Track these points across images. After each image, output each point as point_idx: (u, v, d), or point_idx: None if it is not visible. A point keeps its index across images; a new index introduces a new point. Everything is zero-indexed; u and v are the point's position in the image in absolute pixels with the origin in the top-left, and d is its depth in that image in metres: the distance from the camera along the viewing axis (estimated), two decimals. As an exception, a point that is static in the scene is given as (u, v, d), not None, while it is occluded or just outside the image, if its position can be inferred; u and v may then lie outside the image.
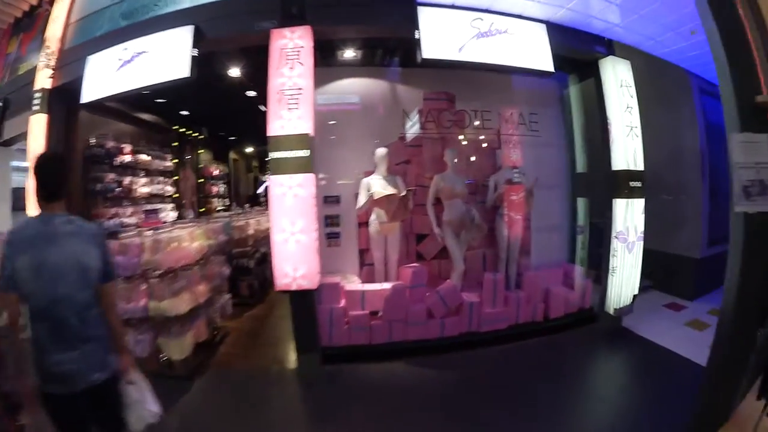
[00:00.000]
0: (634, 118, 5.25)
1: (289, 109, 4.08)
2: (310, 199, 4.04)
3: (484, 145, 5.93)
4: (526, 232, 5.68)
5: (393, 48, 5.34)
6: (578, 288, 5.56)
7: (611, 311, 5.22)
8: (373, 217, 5.07)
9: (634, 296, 5.30)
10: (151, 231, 4.49)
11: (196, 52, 4.35)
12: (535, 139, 5.93)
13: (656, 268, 5.32)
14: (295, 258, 4.00)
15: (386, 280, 5.11)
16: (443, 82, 5.66)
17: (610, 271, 5.21)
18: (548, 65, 4.68)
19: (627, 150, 5.13)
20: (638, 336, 5.19)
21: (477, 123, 5.87)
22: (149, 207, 7.61)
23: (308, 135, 4.06)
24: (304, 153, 4.04)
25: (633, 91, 5.28)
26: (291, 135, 4.06)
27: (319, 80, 4.82)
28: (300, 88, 4.11)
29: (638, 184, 5.18)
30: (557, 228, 6.16)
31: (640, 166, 5.22)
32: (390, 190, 4.84)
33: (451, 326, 4.87)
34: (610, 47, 5.33)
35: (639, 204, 5.21)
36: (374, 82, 5.61)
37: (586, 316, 5.48)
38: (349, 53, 5.31)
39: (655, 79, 5.84)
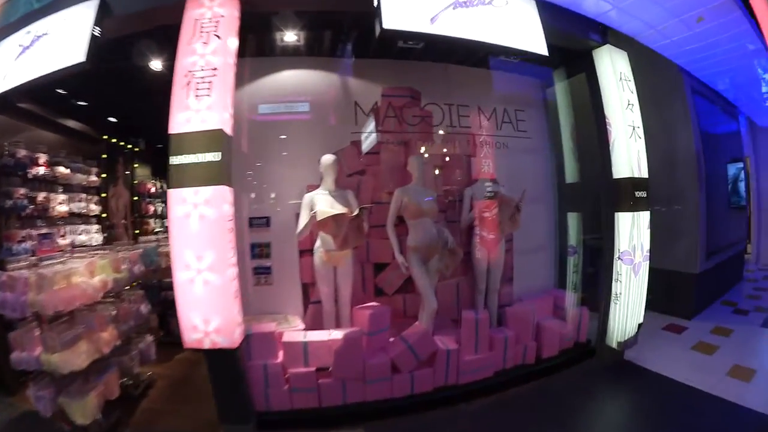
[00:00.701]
0: (636, 116, 4.52)
1: (198, 96, 3.00)
2: (223, 221, 2.93)
3: (459, 150, 4.93)
4: (509, 255, 4.84)
5: (345, 29, 4.23)
6: (572, 319, 4.73)
7: (614, 344, 4.48)
8: (318, 243, 3.97)
9: (639, 325, 4.57)
10: (40, 261, 3.55)
11: (98, 32, 3.45)
12: (521, 143, 5.17)
13: (652, 287, 4.64)
14: (204, 305, 2.92)
15: (338, 323, 4.06)
16: (408, 76, 4.72)
17: (612, 298, 4.44)
18: (541, 47, 3.81)
19: (630, 154, 4.38)
20: (644, 369, 4.51)
21: (449, 124, 4.87)
22: (46, 230, 6.18)
23: (221, 132, 2.97)
24: (213, 156, 2.93)
25: (633, 86, 4.59)
26: (197, 132, 2.96)
27: (252, 72, 4.18)
28: (214, 69, 3.05)
29: (644, 194, 4.45)
30: (544, 249, 5.36)
31: (645, 173, 4.50)
32: (338, 209, 3.76)
33: (423, 381, 3.83)
34: (606, 35, 4.58)
35: (645, 218, 4.48)
36: (321, 74, 4.60)
37: (583, 352, 4.68)
38: (289, 36, 4.16)
39: (648, 76, 5.16)
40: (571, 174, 5.20)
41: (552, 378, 4.32)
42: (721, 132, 7.96)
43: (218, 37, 3.11)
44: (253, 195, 4.28)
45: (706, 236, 6.21)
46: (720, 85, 7.36)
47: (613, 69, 4.45)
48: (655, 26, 4.74)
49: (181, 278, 2.91)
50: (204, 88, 3.01)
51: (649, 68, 5.32)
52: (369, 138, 4.54)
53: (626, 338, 4.46)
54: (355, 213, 3.66)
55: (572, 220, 5.19)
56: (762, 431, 3.44)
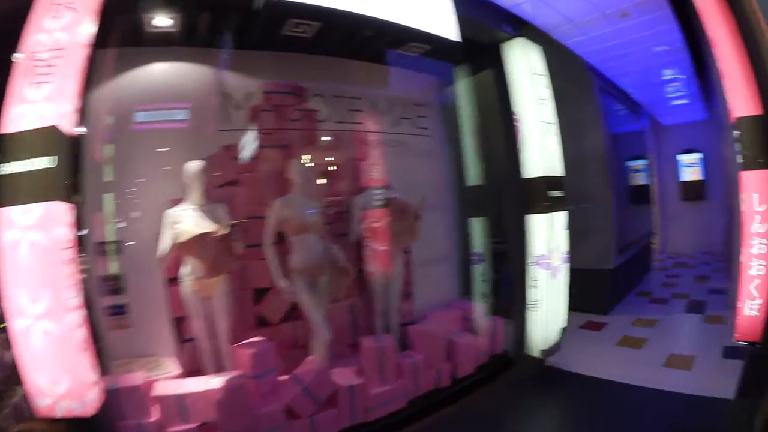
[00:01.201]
0: (549, 112, 4.27)
1: (38, 83, 2.19)
2: (56, 250, 2.13)
3: (348, 154, 4.33)
4: (408, 268, 4.35)
5: (220, 16, 3.44)
6: (485, 331, 4.33)
7: (537, 353, 4.16)
8: (185, 269, 3.24)
9: (563, 329, 4.31)
10: None
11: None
12: (419, 143, 4.75)
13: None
14: (48, 362, 2.14)
15: (218, 363, 3.34)
16: (294, 70, 4.08)
17: (529, 305, 4.12)
18: (451, 32, 3.44)
19: (545, 152, 4.11)
20: (571, 373, 4.23)
21: (338, 123, 4.27)
22: None
23: (56, 129, 2.18)
24: (45, 163, 2.13)
25: (546, 81, 4.34)
26: (29, 131, 2.16)
27: (113, 64, 3.28)
28: (60, 49, 2.23)
29: (560, 193, 4.20)
30: (446, 259, 4.97)
31: (560, 171, 4.26)
32: (206, 227, 3.09)
33: (326, 425, 3.20)
34: (519, 27, 4.30)
35: (561, 218, 4.21)
36: (191, 67, 3.79)
37: (502, 364, 4.32)
38: (159, 21, 3.32)
39: (558, 73, 4.87)
40: (473, 176, 4.81)
41: (473, 397, 3.89)
42: (626, 131, 8.10)
43: (74, 9, 2.32)
44: (102, 214, 3.34)
45: (617, 232, 6.22)
46: (627, 85, 7.44)
47: (525, 63, 4.15)
48: (574, 20, 4.58)
49: (16, 327, 2.12)
50: (45, 73, 2.21)
51: (560, 66, 5.09)
52: (245, 141, 3.81)
53: (550, 345, 4.15)
54: (224, 231, 2.99)
55: (476, 225, 4.80)
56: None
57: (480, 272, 4.70)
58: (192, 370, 3.32)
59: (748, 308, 2.89)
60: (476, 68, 4.69)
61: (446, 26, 3.44)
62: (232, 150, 3.75)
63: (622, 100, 7.76)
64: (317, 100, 4.14)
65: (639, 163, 8.49)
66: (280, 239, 3.50)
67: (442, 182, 5.02)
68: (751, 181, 2.86)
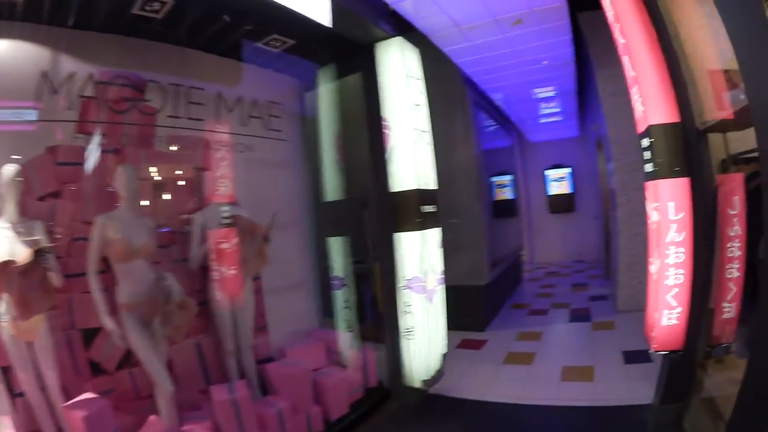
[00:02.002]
0: (424, 120, 3.94)
1: None
2: None
3: (190, 161, 3.55)
4: (259, 297, 3.72)
5: None
6: (355, 364, 3.91)
7: (418, 384, 3.78)
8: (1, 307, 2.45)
9: (444, 356, 4.01)
10: None
11: None
12: (271, 149, 4.12)
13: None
14: None
15: (55, 422, 2.59)
16: (136, 59, 3.29)
17: (403, 333, 3.76)
18: (324, 17, 3.04)
19: (417, 162, 3.75)
20: (457, 400, 3.87)
21: (180, 125, 3.47)
22: None
23: None
24: None
25: (422, 86, 4.01)
26: None
27: None
28: None
29: (433, 208, 3.86)
30: (302, 284, 4.38)
31: (433, 184, 3.96)
32: (14, 252, 2.32)
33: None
34: (398, 26, 3.95)
35: (435, 236, 3.91)
36: (17, 47, 2.89)
37: (379, 398, 3.91)
38: None
39: (433, 81, 4.55)
40: (334, 189, 4.25)
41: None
42: (495, 146, 8.23)
43: None
44: None
45: (489, 247, 6.15)
46: (500, 100, 7.51)
47: (401, 64, 3.76)
48: (461, 24, 4.36)
49: None
50: None
51: (435, 74, 4.85)
52: (72, 144, 2.98)
53: (432, 375, 3.81)
54: (28, 260, 2.22)
55: (336, 245, 4.21)
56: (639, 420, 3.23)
57: (342, 298, 4.17)
58: (29, 430, 2.56)
59: (666, 318, 2.75)
60: (345, 70, 4.23)
61: (319, 12, 3.04)
62: (56, 153, 2.88)
63: (493, 114, 7.86)
64: (158, 96, 3.38)
65: (505, 179, 8.72)
66: (106, 266, 2.77)
67: (297, 196, 4.41)
68: (666, 189, 2.73)
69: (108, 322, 2.67)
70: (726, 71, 2.89)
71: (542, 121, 9.31)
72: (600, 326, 5.45)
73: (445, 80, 5.61)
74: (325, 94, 4.27)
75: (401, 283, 3.71)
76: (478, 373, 4.35)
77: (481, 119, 6.74)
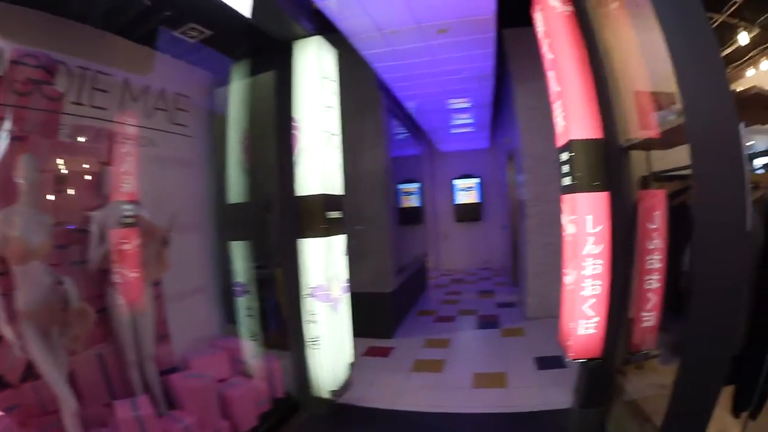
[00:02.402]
0: (334, 123, 3.82)
1: None
2: None
3: (92, 155, 3.12)
4: (159, 304, 3.40)
5: None
6: (260, 373, 3.71)
7: (326, 394, 3.65)
8: None
9: (351, 365, 3.92)
10: None
11: None
12: (174, 145, 3.78)
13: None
14: None
15: None
16: (44, 36, 2.87)
17: (309, 342, 3.61)
18: (245, 7, 2.91)
19: (324, 166, 3.63)
20: (367, 409, 3.78)
21: (84, 112, 3.04)
22: None
23: None
24: None
25: (335, 88, 3.88)
26: None
27: None
28: None
29: (339, 214, 3.74)
30: (203, 290, 4.10)
31: (340, 189, 3.85)
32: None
33: None
34: (319, 25, 3.82)
35: (340, 243, 3.79)
36: None
37: (287, 409, 3.74)
38: None
39: (348, 84, 4.46)
40: (237, 192, 4.00)
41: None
42: (404, 154, 8.29)
43: None
44: None
45: (394, 254, 6.15)
46: (411, 108, 7.58)
47: (317, 65, 3.62)
48: (383, 28, 4.32)
49: None
50: None
51: (351, 77, 4.77)
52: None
53: (339, 385, 3.70)
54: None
55: (238, 250, 3.97)
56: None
57: (245, 305, 3.94)
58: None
59: (583, 327, 2.84)
60: (259, 67, 4.04)
61: (240, 2, 2.89)
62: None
63: (405, 122, 7.92)
64: (64, 80, 2.96)
65: (412, 186, 8.85)
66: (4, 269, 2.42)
67: (200, 197, 4.12)
68: (584, 203, 2.79)
69: (7, 331, 2.31)
70: (654, 93, 3.07)
71: (454, 131, 9.54)
72: (510, 333, 5.59)
73: (359, 84, 5.57)
74: (237, 90, 4.04)
75: (305, 291, 3.57)
76: (387, 382, 4.28)
77: (392, 126, 6.74)
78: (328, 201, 3.57)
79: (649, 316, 2.93)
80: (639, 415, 2.85)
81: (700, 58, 1.86)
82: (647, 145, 3.05)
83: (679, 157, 3.17)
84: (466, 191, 11.59)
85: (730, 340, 1.92)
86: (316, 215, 3.54)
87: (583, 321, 2.82)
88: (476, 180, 11.51)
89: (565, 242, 2.98)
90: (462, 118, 8.40)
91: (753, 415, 2.27)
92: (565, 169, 2.94)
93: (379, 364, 4.83)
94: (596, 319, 2.83)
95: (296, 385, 3.78)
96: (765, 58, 5.75)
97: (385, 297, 5.83)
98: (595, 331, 2.85)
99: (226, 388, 3.30)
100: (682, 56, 1.88)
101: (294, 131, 3.57)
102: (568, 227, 2.90)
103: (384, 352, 5.15)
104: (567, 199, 2.94)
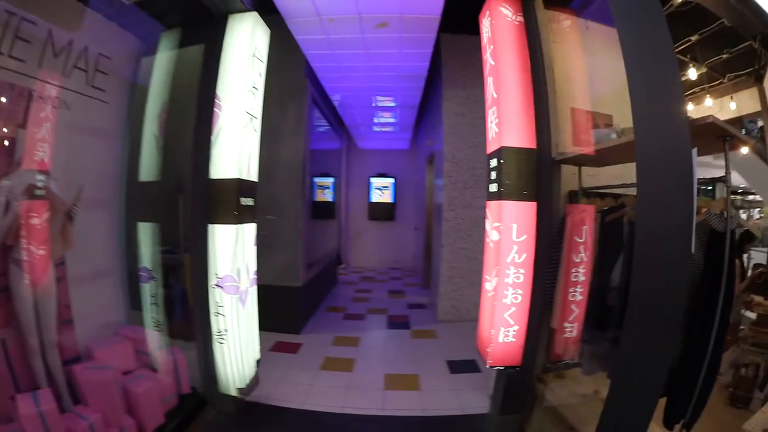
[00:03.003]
0: (257, 104, 3.60)
1: None
2: None
3: (8, 114, 2.67)
4: (63, 286, 3.06)
5: None
6: (166, 367, 3.46)
7: (233, 392, 3.45)
8: None
9: (258, 362, 3.73)
10: None
11: None
12: (88, 111, 3.34)
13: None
14: None
15: None
16: None
17: (215, 336, 3.37)
18: None
19: (242, 149, 3.37)
20: (277, 408, 3.65)
21: (4, 61, 2.60)
22: None
23: None
24: None
25: (264, 68, 3.66)
26: None
27: None
28: None
29: (250, 201, 3.51)
30: (109, 273, 3.72)
31: (255, 176, 3.62)
32: None
33: None
34: (257, 2, 3.63)
35: (251, 232, 3.56)
36: None
37: (194, 405, 3.52)
38: None
39: (277, 68, 4.26)
40: (149, 169, 3.67)
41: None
42: (324, 146, 8.15)
43: None
44: None
45: (306, 247, 6.03)
46: (336, 100, 7.47)
47: (249, 42, 3.39)
48: (323, 14, 4.21)
49: None
50: None
51: (281, 60, 4.55)
52: None
53: (247, 382, 3.50)
54: None
55: (145, 232, 3.66)
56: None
57: (150, 292, 3.64)
58: None
59: (503, 335, 2.87)
60: (190, 38, 3.74)
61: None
62: None
63: (327, 114, 7.80)
64: None
65: (327, 180, 8.71)
66: None
67: (110, 171, 3.72)
68: (511, 211, 2.83)
69: None
70: (591, 112, 3.17)
71: (376, 129, 9.52)
72: (420, 334, 5.63)
73: (287, 69, 5.44)
74: (163, 60, 3.73)
75: (212, 280, 3.31)
76: (296, 379, 4.15)
77: (314, 117, 6.60)
78: (242, 186, 3.31)
79: (571, 327, 3.03)
80: (561, 422, 2.94)
81: (660, 76, 1.91)
82: (580, 160, 3.16)
83: (609, 175, 3.35)
84: (382, 190, 11.64)
85: (668, 352, 1.97)
86: (229, 201, 3.25)
87: (503, 329, 2.87)
88: (392, 180, 11.58)
89: (488, 248, 3.01)
90: (386, 117, 8.39)
91: (687, 427, 2.36)
92: (494, 175, 2.97)
93: (287, 360, 4.67)
94: (516, 327, 2.89)
95: (203, 380, 3.55)
96: (709, 96, 6.23)
97: (295, 291, 5.69)
98: (514, 339, 2.91)
99: (132, 382, 3.04)
100: (639, 70, 1.93)
101: (216, 109, 3.30)
102: (492, 234, 2.93)
103: (292, 348, 5.00)
104: (492, 206, 2.96)
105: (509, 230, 2.79)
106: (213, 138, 3.29)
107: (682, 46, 5.37)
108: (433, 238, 7.03)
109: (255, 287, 3.60)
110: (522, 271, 2.82)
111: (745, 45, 5.06)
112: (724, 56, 5.50)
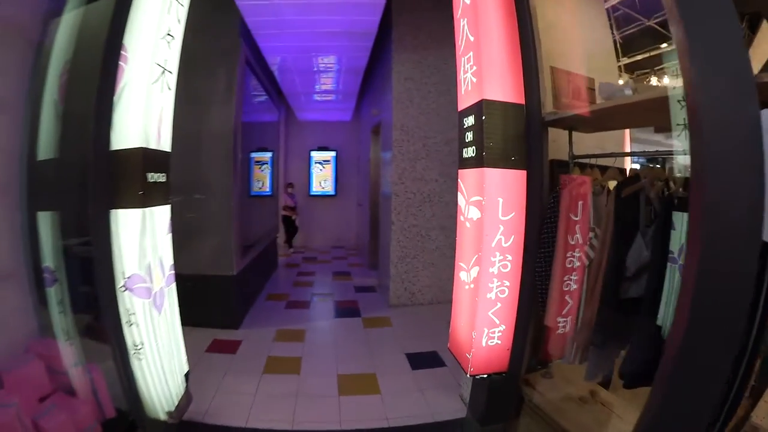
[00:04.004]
0: (173, 56, 2.72)
1: None
2: None
3: None
4: None
5: None
6: (84, 388, 2.65)
7: (163, 417, 2.66)
8: None
9: (187, 375, 2.94)
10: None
11: None
12: None
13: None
14: None
15: None
16: None
17: (131, 351, 2.53)
18: None
19: (150, 111, 2.51)
20: (219, 428, 2.95)
21: None
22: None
23: None
24: None
25: (184, 13, 2.80)
26: None
27: None
28: None
29: (162, 177, 2.62)
30: (11, 276, 2.83)
31: (167, 145, 2.71)
32: None
33: None
34: None
35: (163, 217, 2.69)
36: None
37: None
38: None
39: (205, 24, 3.50)
40: (49, 145, 2.81)
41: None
42: (261, 117, 7.28)
43: None
44: None
45: (241, 229, 5.23)
46: (274, 65, 6.65)
47: None
48: None
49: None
50: None
51: (209, 15, 3.78)
52: None
53: (175, 403, 2.74)
54: None
55: (45, 223, 2.79)
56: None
57: (56, 297, 2.76)
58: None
59: (487, 338, 2.30)
60: None
61: None
62: None
63: (264, 81, 6.94)
64: None
65: (264, 155, 7.82)
66: None
67: (9, 151, 2.80)
68: (495, 181, 2.22)
69: None
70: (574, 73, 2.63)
71: (317, 98, 8.73)
72: (373, 323, 5.00)
73: (218, 26, 4.64)
74: (71, 18, 2.82)
75: (119, 282, 2.46)
76: (237, 388, 3.44)
77: (249, 84, 5.77)
78: (148, 158, 2.46)
79: (564, 322, 2.51)
80: (553, 429, 2.42)
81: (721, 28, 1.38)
82: (572, 123, 2.60)
83: (589, 144, 2.85)
84: (323, 164, 10.93)
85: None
86: (132, 177, 2.41)
87: (487, 330, 2.29)
88: (333, 153, 10.91)
89: (463, 229, 2.41)
90: (328, 84, 7.63)
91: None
92: (470, 136, 2.34)
93: (225, 362, 3.92)
94: (502, 327, 2.33)
95: (128, 402, 2.70)
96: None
97: (229, 281, 4.91)
98: (500, 342, 2.34)
99: (43, 416, 2.30)
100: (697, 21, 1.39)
101: (121, 62, 2.45)
102: (469, 211, 2.32)
103: (231, 347, 4.26)
104: (468, 175, 2.35)
105: (494, 206, 2.19)
106: (115, 98, 2.43)
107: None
108: (381, 215, 6.42)
109: (173, 286, 2.79)
110: (510, 257, 2.25)
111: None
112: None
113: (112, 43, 2.45)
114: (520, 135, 2.29)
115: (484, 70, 2.23)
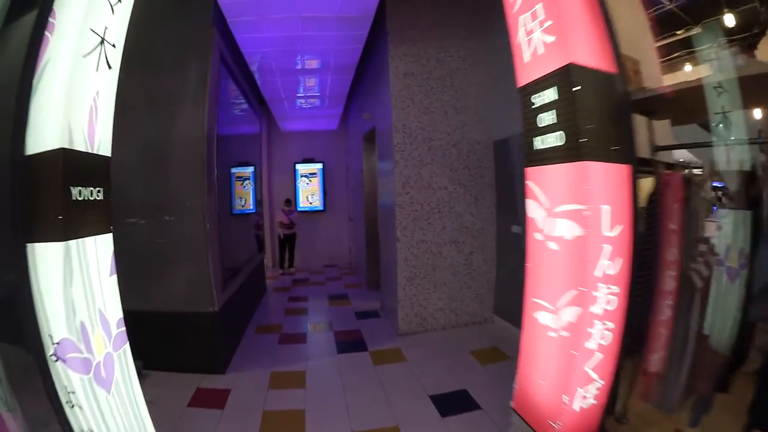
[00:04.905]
0: (119, 25, 1.90)
1: None
2: None
3: None
4: None
5: None
6: None
7: None
8: None
9: None
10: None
11: None
12: None
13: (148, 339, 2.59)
14: None
15: None
16: None
17: (65, 404, 1.62)
18: None
19: (78, 95, 1.65)
20: None
21: None
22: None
23: None
24: None
25: None
26: None
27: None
28: None
29: (98, 194, 1.75)
30: None
31: (106, 147, 1.82)
32: None
33: None
34: None
35: (103, 251, 1.78)
36: None
37: None
38: None
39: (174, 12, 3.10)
40: None
41: None
42: (241, 129, 6.51)
43: None
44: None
45: (221, 256, 4.28)
46: (254, 64, 5.95)
47: None
48: None
49: None
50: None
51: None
52: None
53: None
54: None
55: None
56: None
57: None
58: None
59: (581, 398, 1.63)
60: None
61: None
62: None
63: (243, 86, 6.11)
64: None
65: (246, 171, 7.03)
66: None
67: None
68: (599, 182, 1.53)
69: None
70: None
71: (301, 104, 8.02)
72: (383, 357, 4.20)
73: (186, 8, 3.98)
74: None
75: (49, 349, 1.60)
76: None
77: (227, 89, 5.01)
78: (71, 164, 1.60)
79: (656, 359, 1.85)
80: None
81: None
82: (651, 106, 1.95)
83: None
84: (309, 177, 10.16)
85: None
86: (47, 193, 1.58)
87: (581, 390, 1.60)
88: (320, 165, 10.16)
89: (543, 253, 1.70)
90: (313, 85, 6.92)
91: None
92: (549, 118, 1.65)
93: (212, 422, 3.08)
94: (601, 384, 1.64)
95: None
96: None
97: (211, 318, 4.03)
98: (595, 402, 1.65)
99: None
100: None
101: (47, 32, 1.64)
102: (555, 226, 1.62)
103: (217, 399, 3.43)
104: (550, 174, 1.65)
105: (597, 217, 1.52)
106: (35, 81, 1.63)
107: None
108: (381, 230, 5.68)
109: (126, 350, 1.90)
110: (616, 289, 1.58)
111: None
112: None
113: (42, 12, 1.70)
114: (615, 117, 1.61)
115: (568, 23, 1.55)
